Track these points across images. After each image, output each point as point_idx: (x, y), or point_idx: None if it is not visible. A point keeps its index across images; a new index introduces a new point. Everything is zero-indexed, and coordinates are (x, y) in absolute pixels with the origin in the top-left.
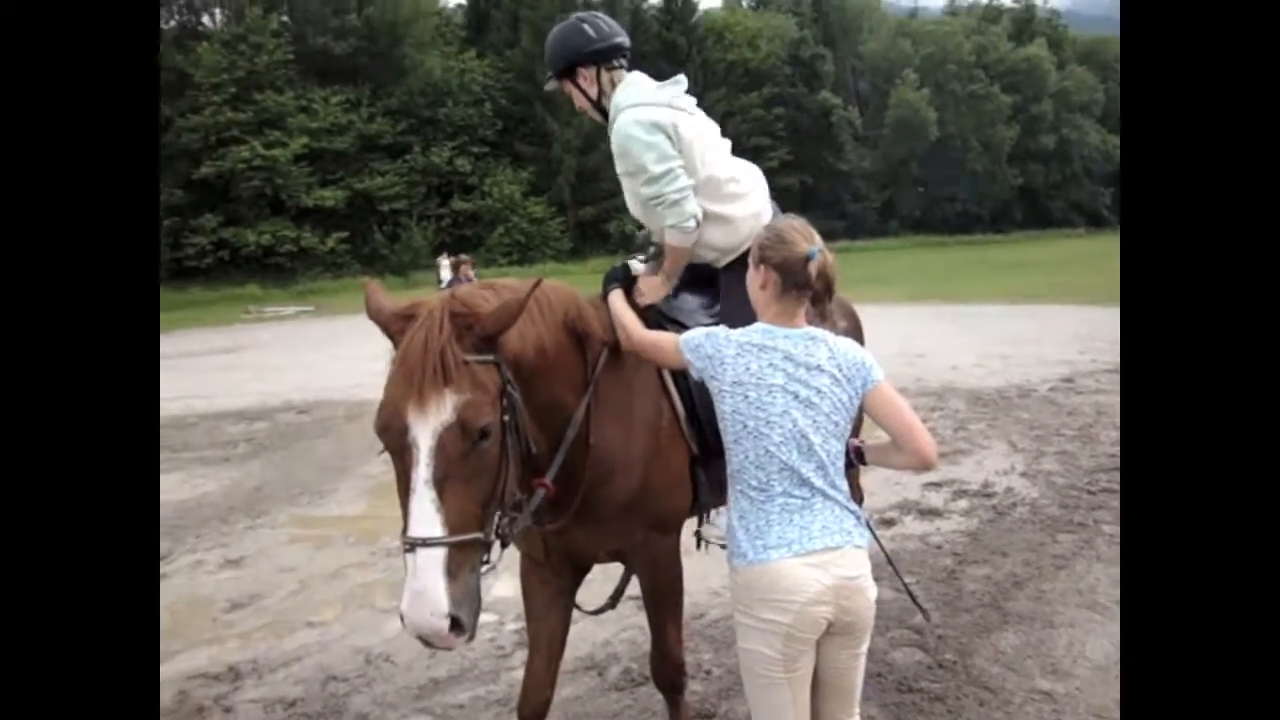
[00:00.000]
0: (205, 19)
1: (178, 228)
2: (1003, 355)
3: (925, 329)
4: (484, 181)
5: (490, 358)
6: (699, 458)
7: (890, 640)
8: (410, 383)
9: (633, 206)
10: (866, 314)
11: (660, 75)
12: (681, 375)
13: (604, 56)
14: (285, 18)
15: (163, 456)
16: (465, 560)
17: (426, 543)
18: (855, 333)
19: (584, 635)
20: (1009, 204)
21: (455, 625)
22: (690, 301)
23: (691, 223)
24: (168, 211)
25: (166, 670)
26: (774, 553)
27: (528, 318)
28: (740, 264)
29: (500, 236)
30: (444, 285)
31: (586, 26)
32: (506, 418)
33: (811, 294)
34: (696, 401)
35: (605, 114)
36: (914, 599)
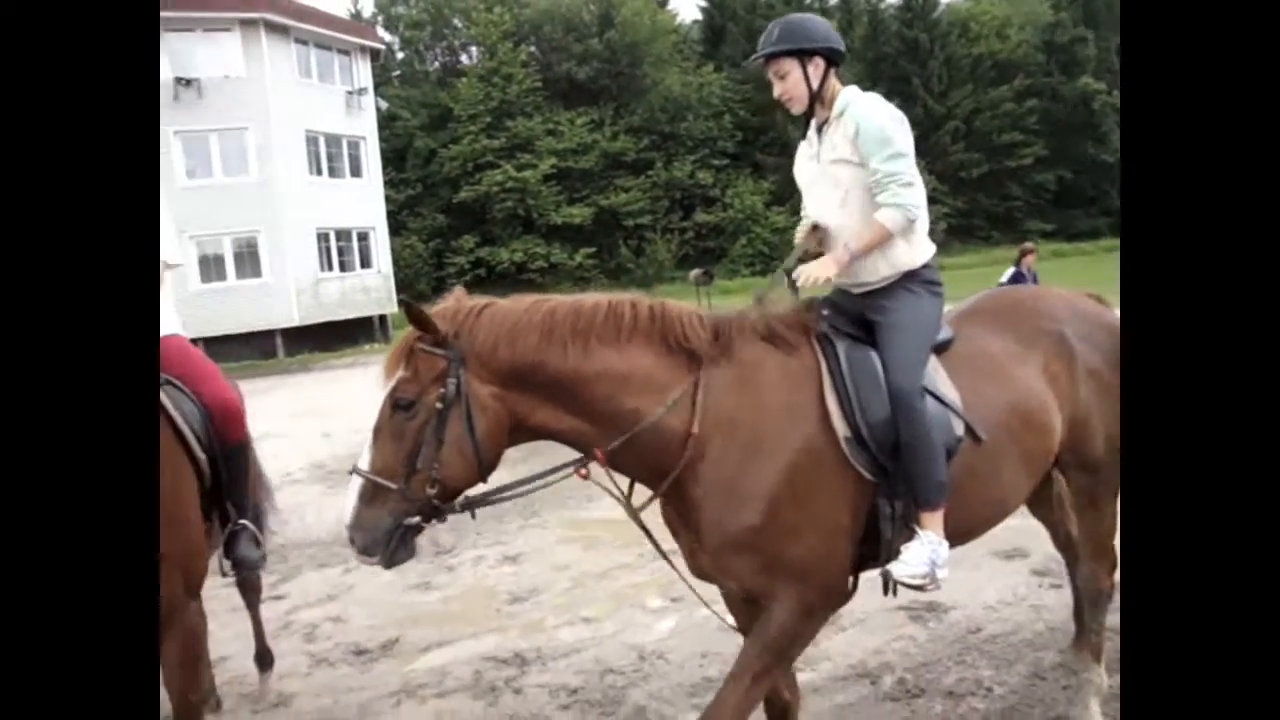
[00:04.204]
0: (463, 57)
1: (440, 249)
2: None
3: None
4: (726, 193)
5: (441, 352)
6: (880, 487)
7: None
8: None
9: (830, 201)
10: None
11: (902, 75)
12: (845, 392)
13: (838, 58)
14: (533, 48)
15: None
16: (379, 498)
17: (355, 470)
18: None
19: (854, 642)
20: None
21: (353, 541)
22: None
23: (915, 213)
24: (432, 234)
25: (461, 651)
26: None
27: (522, 332)
28: (899, 287)
29: (743, 247)
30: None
31: (832, 28)
32: (439, 405)
33: None
34: (864, 422)
35: (811, 109)
36: None
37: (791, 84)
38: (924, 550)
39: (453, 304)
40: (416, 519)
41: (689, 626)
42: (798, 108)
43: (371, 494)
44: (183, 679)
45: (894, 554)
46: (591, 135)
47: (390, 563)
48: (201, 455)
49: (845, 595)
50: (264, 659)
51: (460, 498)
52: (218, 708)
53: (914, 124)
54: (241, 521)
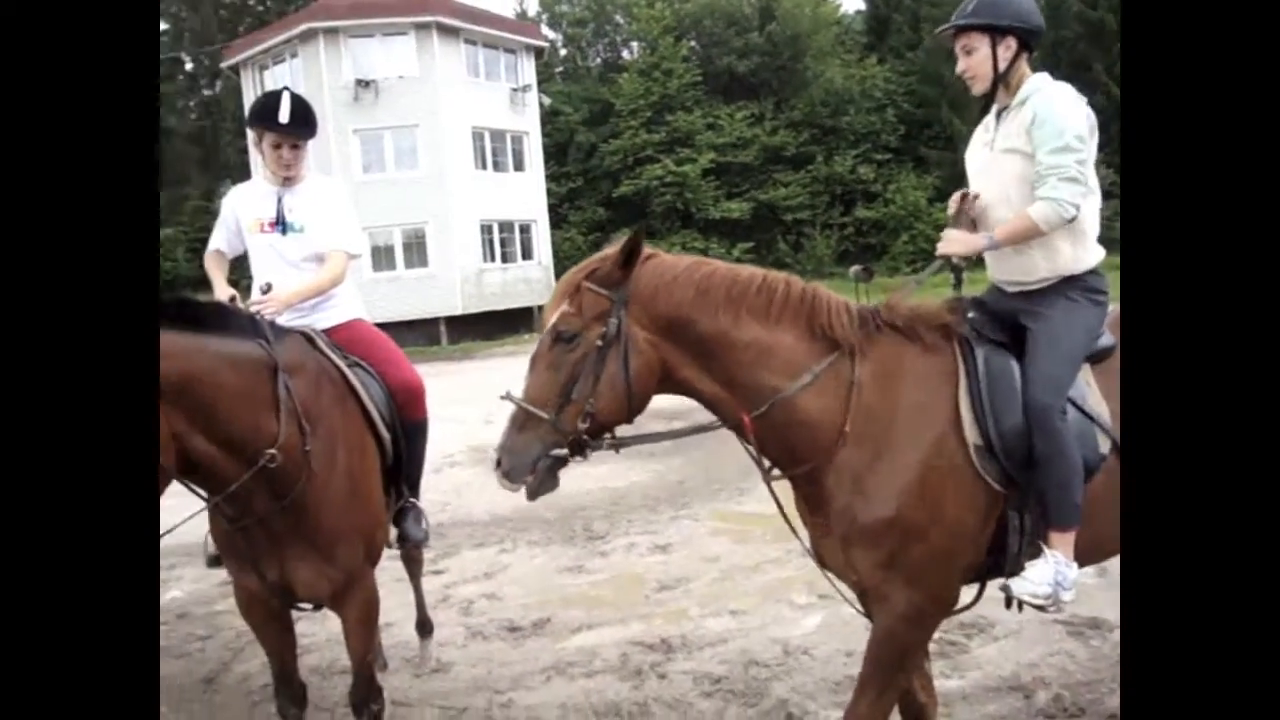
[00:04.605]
0: (625, 53)
1: (599, 242)
2: None
3: None
4: (887, 189)
5: (606, 293)
6: (1009, 498)
7: None
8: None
9: (996, 192)
10: None
11: (1081, 61)
12: (979, 399)
13: (1033, 40)
14: (693, 43)
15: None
16: (530, 426)
17: (507, 396)
18: None
19: (1006, 654)
20: None
21: (499, 464)
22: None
23: (1070, 210)
24: (592, 227)
25: (609, 634)
26: None
27: (680, 286)
28: (1057, 292)
29: (904, 244)
30: None
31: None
32: (599, 342)
33: None
34: (995, 432)
35: (992, 93)
36: None
37: (977, 62)
38: (1048, 570)
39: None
40: (565, 451)
41: (835, 623)
42: (979, 87)
43: (523, 421)
44: (362, 640)
45: (1019, 568)
46: (751, 130)
47: (535, 493)
48: (386, 434)
49: (954, 603)
50: (424, 627)
51: (607, 436)
52: (384, 668)
53: (1095, 113)
54: (412, 499)
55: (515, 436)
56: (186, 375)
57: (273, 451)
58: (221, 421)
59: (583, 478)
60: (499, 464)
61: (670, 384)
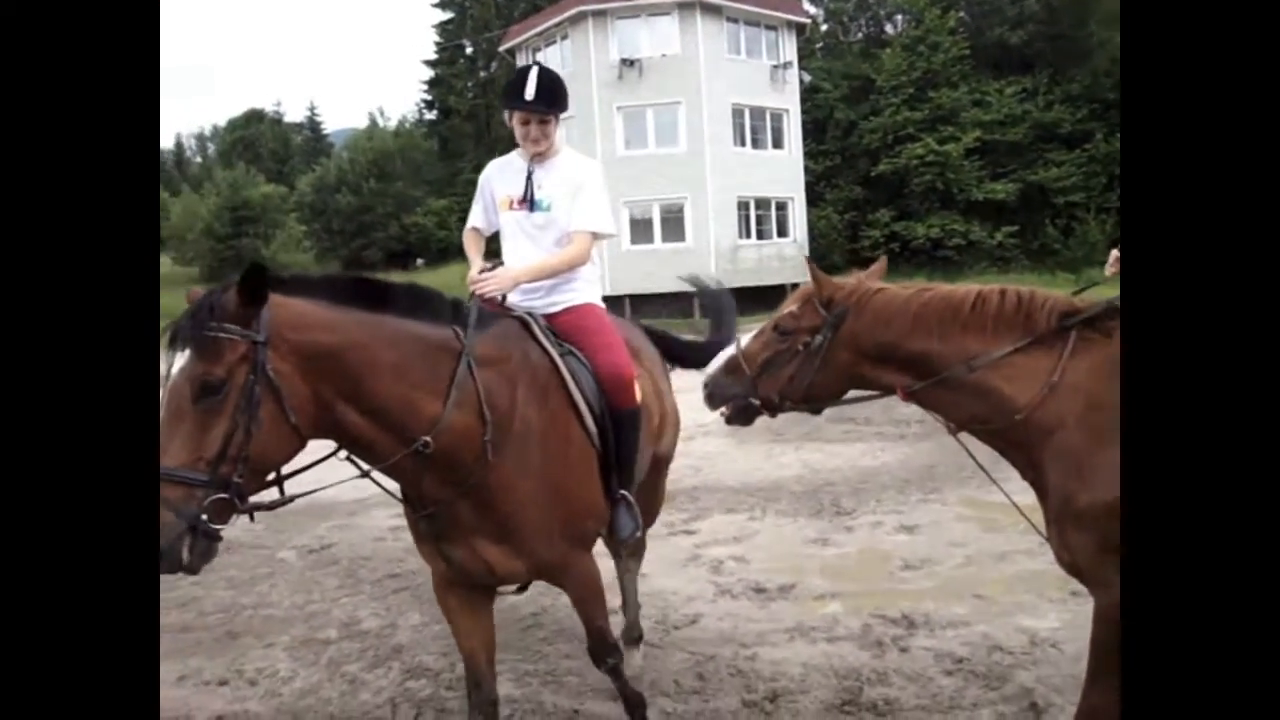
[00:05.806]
0: (888, 27)
1: (855, 221)
2: None
3: None
4: None
5: (824, 312)
6: None
7: None
8: None
9: None
10: None
11: None
12: None
13: None
14: (962, 14)
15: (847, 428)
16: (733, 373)
17: (735, 341)
18: None
19: None
20: None
21: (706, 385)
22: None
23: None
24: (848, 206)
25: (851, 604)
26: None
27: (895, 308)
28: None
29: None
30: None
31: None
32: (800, 348)
33: None
34: None
35: None
36: None
37: None
38: None
39: (854, 281)
40: (758, 403)
41: (1089, 620)
42: None
43: (733, 367)
44: (588, 611)
45: None
46: (1022, 106)
47: (730, 422)
48: (592, 426)
49: None
50: (631, 632)
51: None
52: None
53: None
54: (621, 491)
55: (720, 375)
56: (328, 346)
57: (427, 438)
58: (369, 395)
59: (832, 455)
60: (705, 387)
61: (867, 385)
